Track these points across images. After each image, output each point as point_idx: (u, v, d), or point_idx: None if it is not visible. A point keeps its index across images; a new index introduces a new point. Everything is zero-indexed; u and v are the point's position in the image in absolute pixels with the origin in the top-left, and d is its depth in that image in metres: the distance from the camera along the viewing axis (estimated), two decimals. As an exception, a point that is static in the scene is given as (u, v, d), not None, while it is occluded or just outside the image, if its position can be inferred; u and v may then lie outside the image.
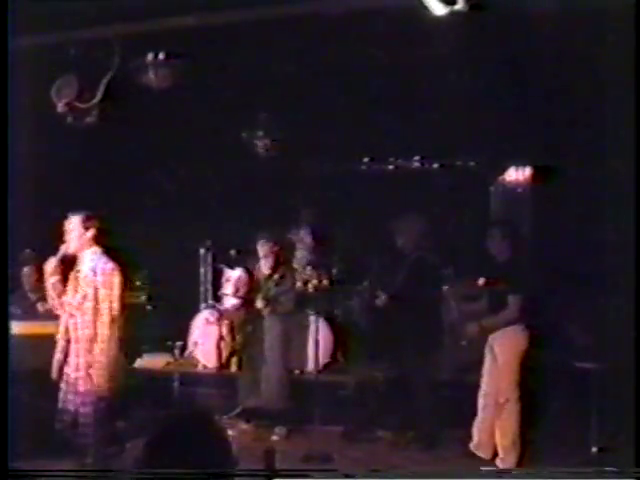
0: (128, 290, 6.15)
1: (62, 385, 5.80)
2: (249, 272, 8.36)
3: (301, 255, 9.13)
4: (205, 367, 8.93)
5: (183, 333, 9.20)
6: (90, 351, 5.67)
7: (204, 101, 7.15)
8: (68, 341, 5.81)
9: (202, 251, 10.15)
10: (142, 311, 9.17)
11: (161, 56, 6.18)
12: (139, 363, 9.10)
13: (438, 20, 4.96)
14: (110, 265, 5.72)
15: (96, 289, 5.66)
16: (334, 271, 8.80)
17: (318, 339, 8.00)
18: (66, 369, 5.79)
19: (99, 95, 6.05)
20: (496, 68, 6.28)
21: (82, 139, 7.07)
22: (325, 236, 9.30)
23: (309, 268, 8.95)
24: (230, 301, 9.13)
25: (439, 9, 4.84)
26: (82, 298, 5.68)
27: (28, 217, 8.35)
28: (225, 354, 8.84)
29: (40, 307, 7.74)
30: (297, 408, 7.76)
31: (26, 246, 8.55)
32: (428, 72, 6.55)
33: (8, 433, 4.48)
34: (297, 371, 8.35)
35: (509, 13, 5.25)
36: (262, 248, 7.98)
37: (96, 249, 5.79)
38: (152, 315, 9.25)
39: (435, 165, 9.25)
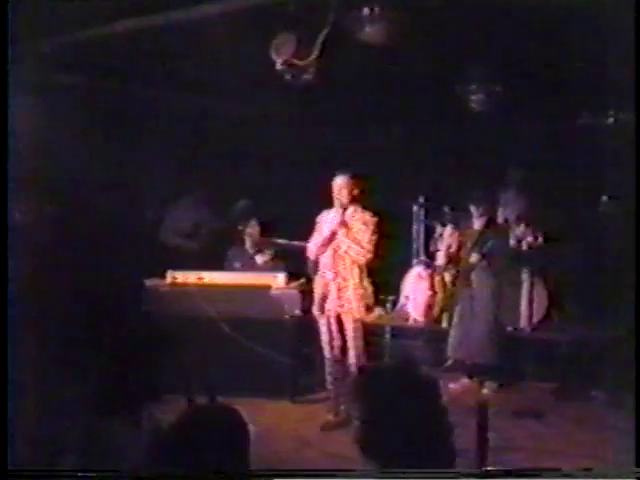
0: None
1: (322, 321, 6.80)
2: (461, 229, 8.29)
3: (513, 213, 8.96)
4: (416, 321, 9.00)
5: (395, 288, 9.29)
6: (347, 288, 6.68)
7: (419, 55, 7.10)
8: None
9: (415, 208, 10.20)
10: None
11: (376, 10, 6.13)
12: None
13: None
14: (374, 219, 6.67)
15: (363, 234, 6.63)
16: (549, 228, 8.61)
17: (532, 296, 7.87)
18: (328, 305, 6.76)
19: (316, 52, 6.08)
20: None
21: (299, 96, 7.21)
22: (534, 193, 9.06)
23: (523, 225, 8.77)
24: (442, 257, 9.10)
25: None
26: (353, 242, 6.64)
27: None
28: (436, 309, 8.87)
29: (259, 259, 8.34)
30: (509, 364, 7.70)
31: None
32: None
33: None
34: (510, 328, 8.26)
35: None
36: (474, 206, 7.94)
37: (357, 206, 6.69)
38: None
39: None
